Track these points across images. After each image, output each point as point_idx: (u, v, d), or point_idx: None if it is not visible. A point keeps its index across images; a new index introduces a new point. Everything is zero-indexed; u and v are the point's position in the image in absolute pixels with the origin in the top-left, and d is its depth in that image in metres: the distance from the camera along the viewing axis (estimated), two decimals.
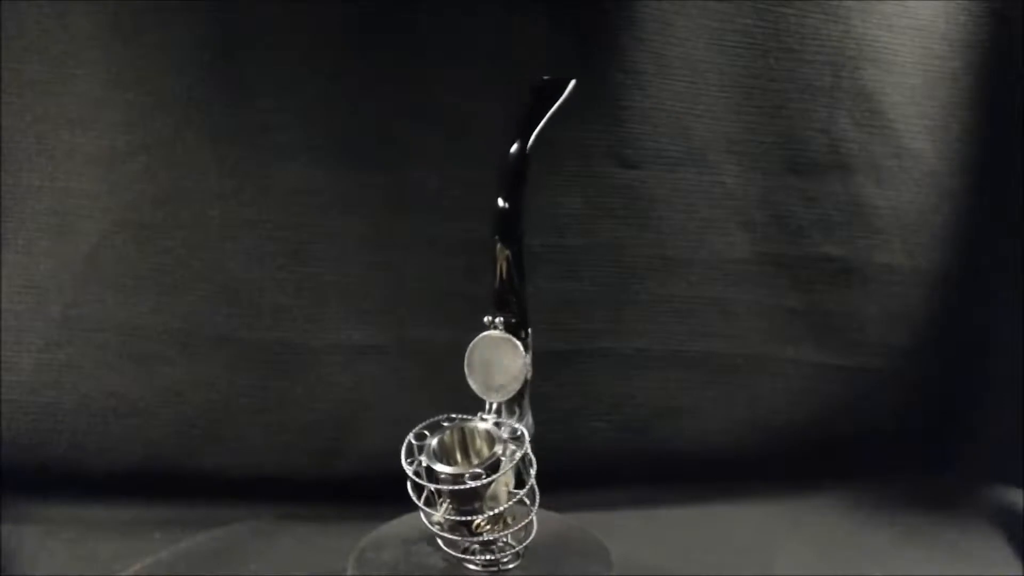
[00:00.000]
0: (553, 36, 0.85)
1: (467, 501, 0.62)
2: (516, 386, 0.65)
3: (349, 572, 0.66)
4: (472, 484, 0.61)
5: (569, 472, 0.68)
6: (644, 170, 0.88)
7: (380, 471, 0.80)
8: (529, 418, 0.67)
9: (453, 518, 0.62)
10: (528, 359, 0.65)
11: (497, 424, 0.65)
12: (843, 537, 0.85)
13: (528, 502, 0.64)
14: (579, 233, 0.88)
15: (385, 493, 0.71)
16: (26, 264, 0.84)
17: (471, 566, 0.65)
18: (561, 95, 0.68)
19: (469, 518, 0.62)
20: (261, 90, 0.83)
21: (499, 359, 0.65)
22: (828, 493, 0.92)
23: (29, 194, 0.83)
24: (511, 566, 0.66)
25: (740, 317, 0.92)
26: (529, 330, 0.67)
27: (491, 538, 0.64)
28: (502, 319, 0.66)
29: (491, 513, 0.62)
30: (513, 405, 0.66)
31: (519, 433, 0.65)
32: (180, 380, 0.86)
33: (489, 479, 0.61)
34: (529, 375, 0.66)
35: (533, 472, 0.64)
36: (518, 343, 0.65)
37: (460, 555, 0.65)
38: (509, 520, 0.65)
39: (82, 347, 0.85)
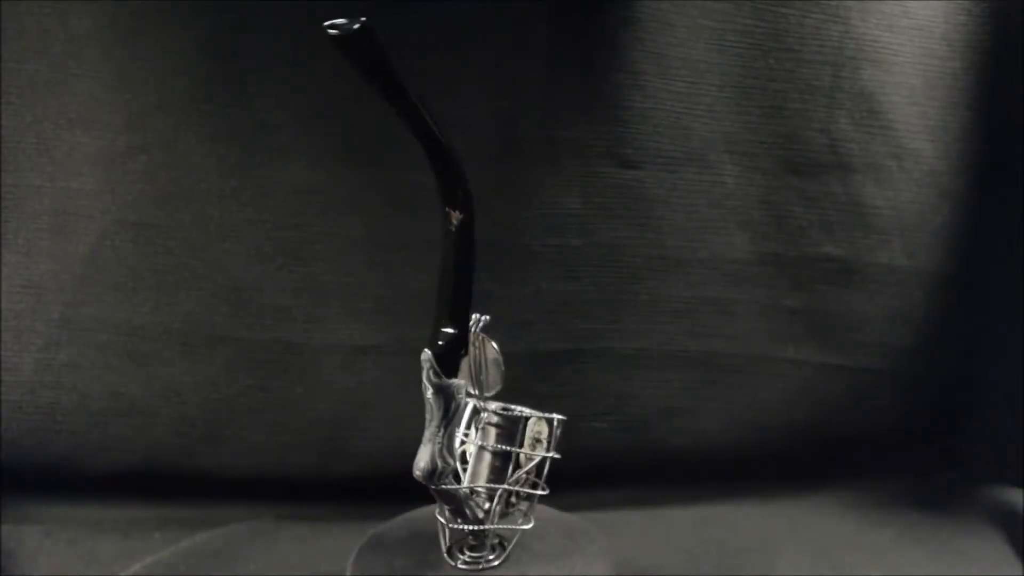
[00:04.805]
0: (553, 36, 0.85)
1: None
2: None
3: (349, 572, 0.66)
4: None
5: (569, 472, 0.68)
6: (644, 170, 0.88)
7: (380, 471, 0.81)
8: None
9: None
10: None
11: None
12: (843, 537, 0.84)
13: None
14: (579, 233, 0.88)
15: (385, 493, 0.72)
16: (26, 264, 0.84)
17: (460, 564, 0.66)
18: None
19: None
20: (261, 90, 0.83)
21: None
22: (828, 493, 0.92)
23: (29, 194, 0.83)
24: (496, 563, 0.66)
25: (740, 317, 0.92)
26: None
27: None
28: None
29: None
30: None
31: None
32: (180, 380, 0.86)
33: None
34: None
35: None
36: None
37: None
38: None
39: (82, 347, 0.85)
